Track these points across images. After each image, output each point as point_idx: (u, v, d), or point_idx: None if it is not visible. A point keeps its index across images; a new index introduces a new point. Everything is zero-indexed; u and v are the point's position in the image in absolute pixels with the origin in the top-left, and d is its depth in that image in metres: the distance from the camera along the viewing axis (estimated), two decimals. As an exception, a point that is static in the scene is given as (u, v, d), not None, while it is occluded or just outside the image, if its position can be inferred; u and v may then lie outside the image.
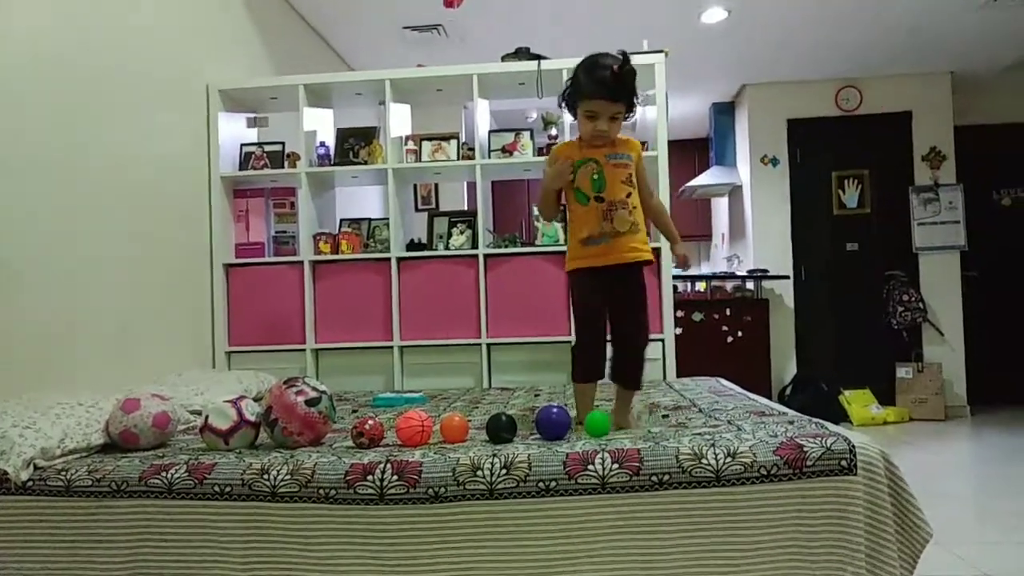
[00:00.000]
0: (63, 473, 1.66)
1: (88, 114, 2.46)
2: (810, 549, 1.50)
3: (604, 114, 1.91)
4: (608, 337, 2.02)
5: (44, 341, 2.22)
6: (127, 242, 2.65)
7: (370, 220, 3.58)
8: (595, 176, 1.95)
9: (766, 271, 5.74)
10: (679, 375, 3.21)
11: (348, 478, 1.57)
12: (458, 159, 3.39)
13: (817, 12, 4.50)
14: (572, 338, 2.13)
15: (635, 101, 1.96)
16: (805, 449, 1.54)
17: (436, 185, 5.98)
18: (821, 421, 1.76)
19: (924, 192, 5.83)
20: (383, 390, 3.22)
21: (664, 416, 2.11)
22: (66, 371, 2.30)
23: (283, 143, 3.43)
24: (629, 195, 1.97)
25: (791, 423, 1.77)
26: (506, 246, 3.40)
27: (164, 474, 1.63)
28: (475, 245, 3.36)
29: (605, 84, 1.88)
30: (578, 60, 3.19)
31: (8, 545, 1.64)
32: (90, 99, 2.47)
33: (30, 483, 1.64)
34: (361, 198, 4.76)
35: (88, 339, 2.42)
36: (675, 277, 4.62)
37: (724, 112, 6.53)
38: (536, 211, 2.06)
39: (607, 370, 2.03)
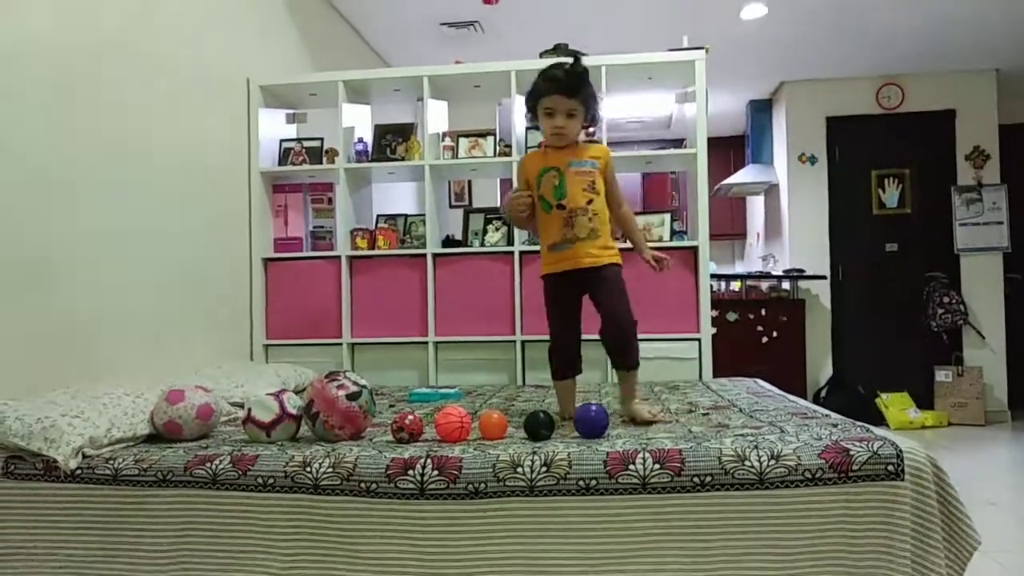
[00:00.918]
0: (111, 462, 1.69)
1: (130, 109, 2.50)
2: (855, 555, 1.48)
3: (560, 110, 2.00)
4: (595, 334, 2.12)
5: (88, 333, 2.26)
6: (168, 236, 2.69)
7: (406, 216, 3.59)
8: (556, 184, 2.03)
9: (802, 271, 5.67)
10: (714, 375, 3.18)
11: (389, 472, 1.58)
12: (495, 155, 3.38)
13: (858, 8, 4.41)
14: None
15: (593, 105, 2.05)
16: (851, 453, 1.51)
17: (469, 182, 5.98)
18: (866, 425, 1.74)
19: (967, 192, 5.70)
20: (418, 385, 3.23)
21: (704, 415, 2.09)
22: (109, 363, 2.34)
23: (322, 139, 3.46)
24: (590, 202, 2.04)
25: (835, 426, 1.74)
26: (541, 243, 3.39)
27: (208, 465, 1.65)
28: (510, 242, 3.36)
29: (557, 80, 1.99)
30: (616, 56, 3.22)
31: (57, 532, 1.68)
32: (132, 94, 2.51)
33: (79, 471, 1.68)
34: (397, 194, 4.79)
35: (130, 331, 2.47)
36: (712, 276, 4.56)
37: (761, 109, 6.45)
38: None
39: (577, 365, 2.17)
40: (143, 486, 1.65)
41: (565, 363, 2.16)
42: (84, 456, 1.71)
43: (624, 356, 2.10)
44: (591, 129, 3.43)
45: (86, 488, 1.68)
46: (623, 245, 2.31)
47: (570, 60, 2.03)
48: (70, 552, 1.67)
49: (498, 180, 5.80)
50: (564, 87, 1.98)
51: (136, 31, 2.53)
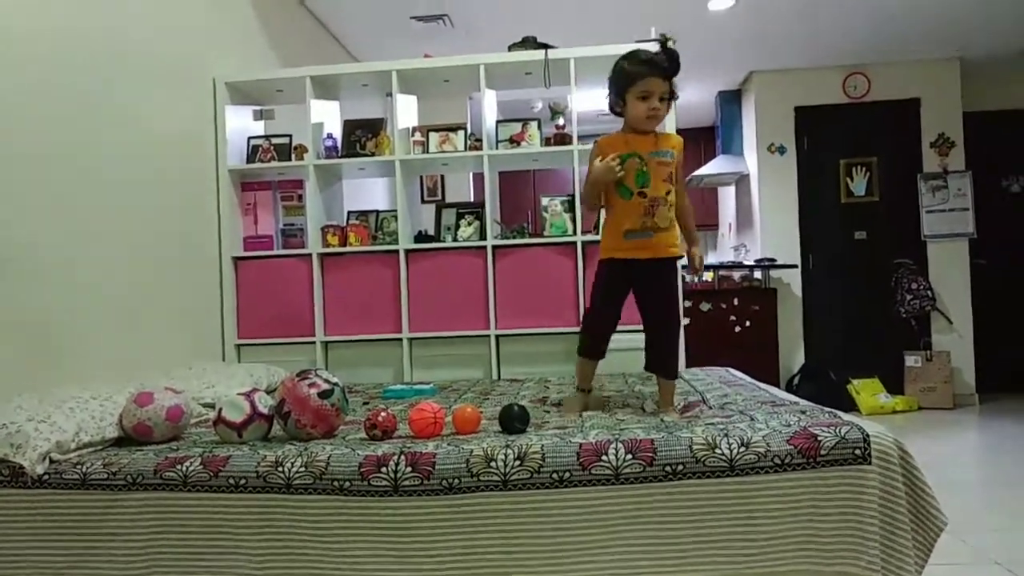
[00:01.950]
0: (78, 467, 1.67)
1: (95, 107, 2.45)
2: (824, 538, 1.50)
3: (657, 92, 1.97)
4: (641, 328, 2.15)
5: (52, 334, 2.23)
6: (135, 235, 2.65)
7: (378, 212, 3.57)
8: (641, 171, 2.00)
9: (774, 260, 5.73)
10: (687, 365, 3.21)
11: (362, 470, 1.58)
12: (465, 150, 3.37)
13: (825, -1, 4.46)
14: (584, 315, 2.26)
15: (675, 88, 2.02)
16: (819, 438, 1.54)
17: (442, 176, 5.97)
18: (835, 411, 1.76)
19: (933, 179, 5.80)
20: (393, 382, 3.22)
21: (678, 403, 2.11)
22: (75, 364, 2.30)
23: (290, 135, 3.43)
24: (669, 192, 2.04)
25: (803, 412, 1.76)
26: (514, 237, 3.40)
27: (179, 467, 1.63)
28: (483, 236, 3.35)
29: (655, 62, 1.97)
30: (585, 48, 3.22)
31: (26, 538, 1.65)
32: (97, 92, 2.47)
33: (46, 476, 1.66)
34: (368, 190, 4.76)
35: (97, 332, 2.43)
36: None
37: (731, 100, 6.50)
38: (579, 200, 2.17)
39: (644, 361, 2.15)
40: (112, 490, 1.63)
41: (595, 343, 2.16)
42: (51, 461, 1.68)
43: (666, 364, 2.09)
44: (561, 122, 3.46)
45: (54, 493, 1.65)
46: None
47: (663, 43, 2.00)
48: (40, 558, 1.64)
49: (470, 174, 5.80)
50: (664, 69, 1.96)
51: (101, 29, 2.48)
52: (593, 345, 2.16)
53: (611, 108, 2.10)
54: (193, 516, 1.61)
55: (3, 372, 2.02)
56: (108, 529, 1.63)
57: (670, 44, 2.00)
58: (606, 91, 2.08)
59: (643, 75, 1.96)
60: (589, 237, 3.27)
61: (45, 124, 2.22)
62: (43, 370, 2.16)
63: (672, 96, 2.02)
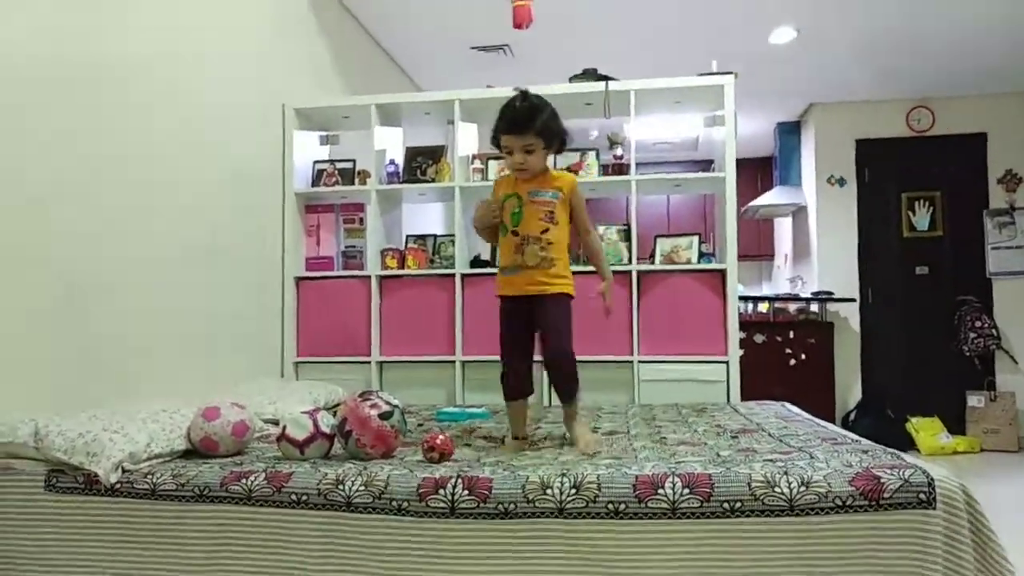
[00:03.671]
0: (149, 477, 1.74)
1: (172, 132, 2.58)
2: (885, 583, 1.47)
3: (515, 147, 2.00)
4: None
5: (125, 350, 2.32)
6: (204, 255, 2.76)
7: (436, 236, 3.64)
8: (515, 211, 2.05)
9: (831, 293, 5.62)
10: (741, 398, 3.17)
11: (420, 491, 1.61)
12: (523, 178, 3.41)
13: (889, 32, 4.41)
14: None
15: (553, 133, 2.04)
16: (882, 480, 1.51)
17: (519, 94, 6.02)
18: (897, 452, 1.73)
19: (999, 216, 5.64)
20: (445, 404, 3.26)
21: (734, 437, 2.09)
22: (147, 380, 2.40)
23: (354, 160, 3.53)
24: (545, 231, 2.05)
25: (865, 452, 1.74)
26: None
27: (244, 481, 1.69)
28: (538, 263, 3.38)
29: (507, 119, 2.02)
30: (645, 81, 3.25)
31: (96, 545, 1.72)
32: (175, 119, 2.59)
33: (118, 485, 1.72)
34: (425, 214, 4.84)
35: (167, 349, 2.53)
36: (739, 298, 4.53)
37: (789, 131, 6.44)
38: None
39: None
40: (181, 501, 1.69)
41: (514, 386, 2.15)
42: (123, 471, 1.75)
43: (561, 389, 2.12)
44: (619, 152, 3.49)
45: (125, 502, 1.72)
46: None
47: (520, 94, 2.04)
48: (109, 564, 1.70)
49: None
50: (514, 126, 2.00)
51: (179, 60, 2.61)
52: (513, 387, 2.14)
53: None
54: (256, 530, 1.65)
55: (81, 387, 2.12)
56: (175, 539, 1.68)
57: (532, 96, 2.03)
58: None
59: (501, 131, 2.03)
60: (645, 266, 3.27)
61: (121, 154, 2.34)
62: (117, 385, 2.25)
63: (550, 142, 2.03)
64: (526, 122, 1.99)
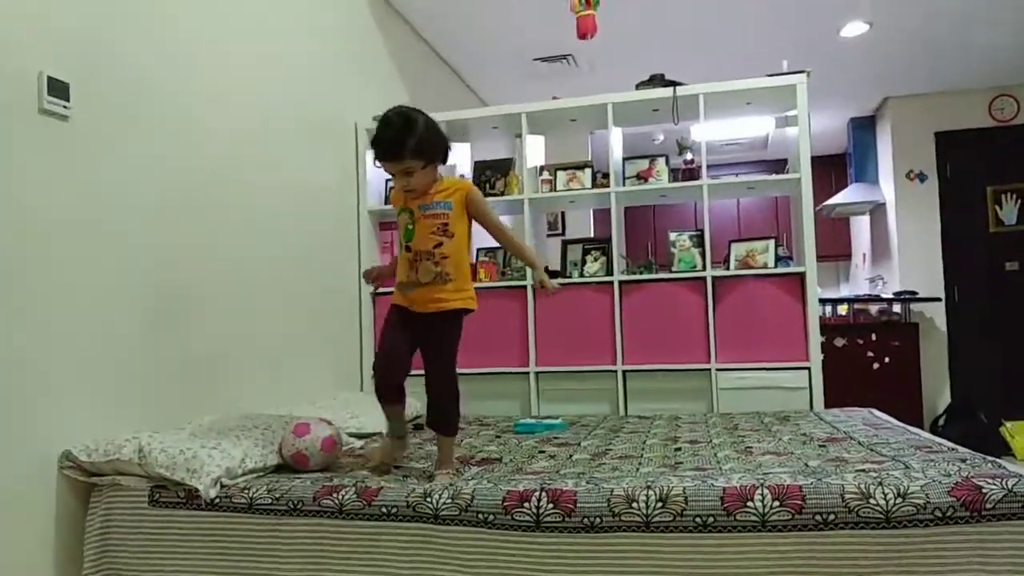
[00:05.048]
0: (246, 491, 1.81)
1: (250, 152, 2.68)
2: (992, 598, 1.41)
3: (394, 171, 1.93)
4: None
5: (213, 367, 2.42)
6: (283, 271, 2.85)
7: (506, 249, 3.67)
8: (408, 226, 1.99)
9: (915, 293, 5.41)
10: (826, 405, 3.08)
11: (505, 504, 1.63)
12: (593, 187, 3.42)
13: (966, 19, 4.24)
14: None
15: (432, 148, 1.92)
16: (984, 491, 1.45)
17: (562, 212, 6.05)
18: (997, 460, 1.66)
19: (1095, 205, 5.33)
20: (520, 415, 3.28)
21: (821, 446, 2.04)
22: (231, 395, 2.49)
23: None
24: (438, 245, 1.96)
25: (963, 461, 1.67)
26: (641, 272, 3.40)
27: (335, 495, 1.74)
28: (609, 272, 3.38)
29: (378, 147, 1.92)
30: (713, 84, 3.22)
31: (198, 557, 1.80)
32: (255, 140, 2.70)
33: (217, 500, 1.80)
34: (493, 226, 4.89)
35: (253, 363, 2.62)
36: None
37: (864, 127, 6.25)
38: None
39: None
40: (276, 515, 1.76)
41: (385, 389, 2.03)
42: (221, 486, 1.82)
43: (435, 419, 2.02)
44: (689, 157, 3.44)
45: (224, 516, 1.79)
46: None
47: (385, 117, 1.92)
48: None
49: (591, 210, 5.84)
50: (384, 153, 1.91)
51: (256, 83, 2.72)
52: (380, 388, 2.03)
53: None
54: (347, 542, 1.70)
55: (176, 400, 2.22)
56: (271, 551, 1.75)
57: (399, 117, 1.90)
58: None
59: (377, 158, 1.94)
60: (720, 272, 3.23)
61: (208, 181, 2.45)
62: (199, 397, 2.35)
63: (429, 158, 1.92)
64: (396, 149, 1.88)
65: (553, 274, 3.55)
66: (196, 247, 2.36)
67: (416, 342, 2.04)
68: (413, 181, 1.92)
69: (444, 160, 2.00)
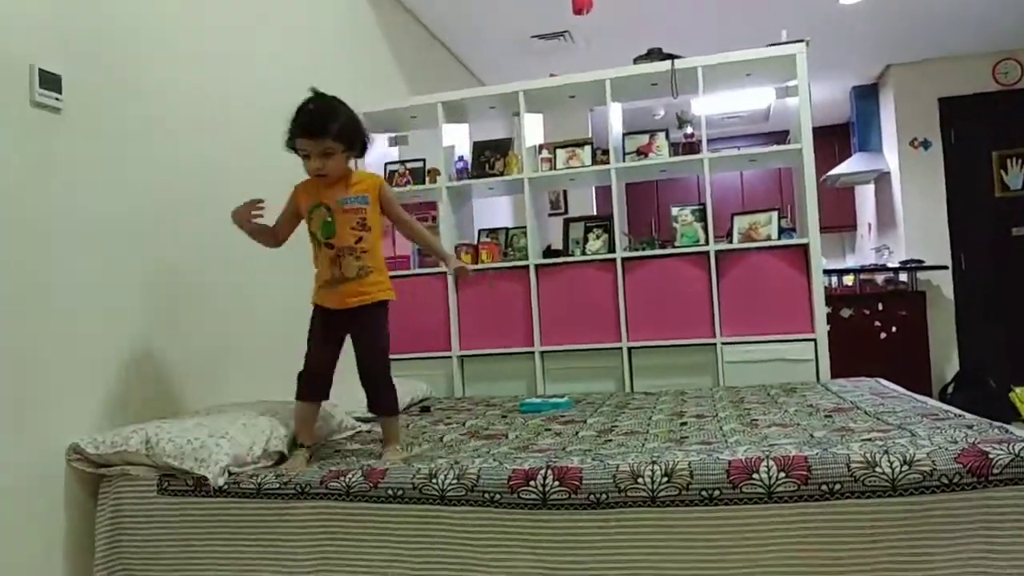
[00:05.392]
0: (254, 477, 1.81)
1: (247, 140, 2.66)
2: (999, 563, 1.41)
3: (314, 151, 1.91)
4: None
5: (216, 357, 2.43)
6: (283, 265, 2.84)
7: (507, 229, 3.66)
8: (326, 220, 1.97)
9: (921, 262, 5.39)
10: (832, 376, 3.08)
11: (511, 483, 1.63)
12: (593, 164, 3.40)
13: (971, -19, 4.18)
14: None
15: (353, 135, 1.95)
16: (990, 456, 1.44)
17: (564, 190, 6.02)
18: (1005, 425, 1.65)
19: (1103, 167, 5.28)
20: (526, 395, 3.28)
21: (827, 417, 2.04)
22: (235, 384, 2.50)
23: (424, 159, 3.58)
24: (359, 240, 1.98)
25: (970, 427, 1.66)
26: (643, 248, 3.39)
27: (342, 478, 1.75)
28: (612, 249, 3.36)
29: (301, 123, 1.90)
30: (712, 56, 3.18)
31: (207, 543, 1.81)
32: (252, 132, 2.68)
33: (226, 486, 1.81)
34: (494, 207, 4.87)
35: (250, 355, 2.62)
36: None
37: (866, 95, 6.18)
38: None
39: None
40: (284, 499, 1.76)
41: (314, 386, 2.04)
42: (230, 473, 1.83)
43: (374, 402, 2.06)
44: (689, 131, 3.42)
45: (233, 502, 1.80)
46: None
47: (312, 96, 1.95)
48: (217, 561, 1.79)
49: (592, 188, 5.81)
50: (308, 130, 1.90)
51: (259, 72, 2.70)
52: (312, 386, 2.03)
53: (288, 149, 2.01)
54: (355, 525, 1.71)
55: (179, 394, 2.23)
56: (280, 535, 1.76)
57: (327, 97, 1.95)
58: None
59: (297, 135, 1.91)
60: (723, 245, 3.21)
61: (206, 175, 2.44)
62: (211, 392, 2.36)
63: (350, 145, 1.94)
64: (322, 125, 1.89)
65: (555, 252, 3.55)
66: (195, 242, 2.36)
67: (341, 341, 2.07)
68: (330, 164, 1.93)
69: (361, 153, 2.02)
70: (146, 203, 2.15)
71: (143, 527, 1.84)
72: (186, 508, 1.83)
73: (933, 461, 1.46)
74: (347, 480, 1.74)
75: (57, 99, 1.85)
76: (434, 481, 1.68)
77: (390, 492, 1.69)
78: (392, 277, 3.42)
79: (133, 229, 2.09)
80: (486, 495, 1.63)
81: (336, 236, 1.97)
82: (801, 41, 3.12)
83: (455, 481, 1.66)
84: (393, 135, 3.82)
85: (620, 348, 3.29)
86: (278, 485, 1.78)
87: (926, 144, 5.62)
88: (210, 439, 1.84)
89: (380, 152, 3.66)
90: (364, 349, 2.05)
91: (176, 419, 2.00)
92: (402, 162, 3.61)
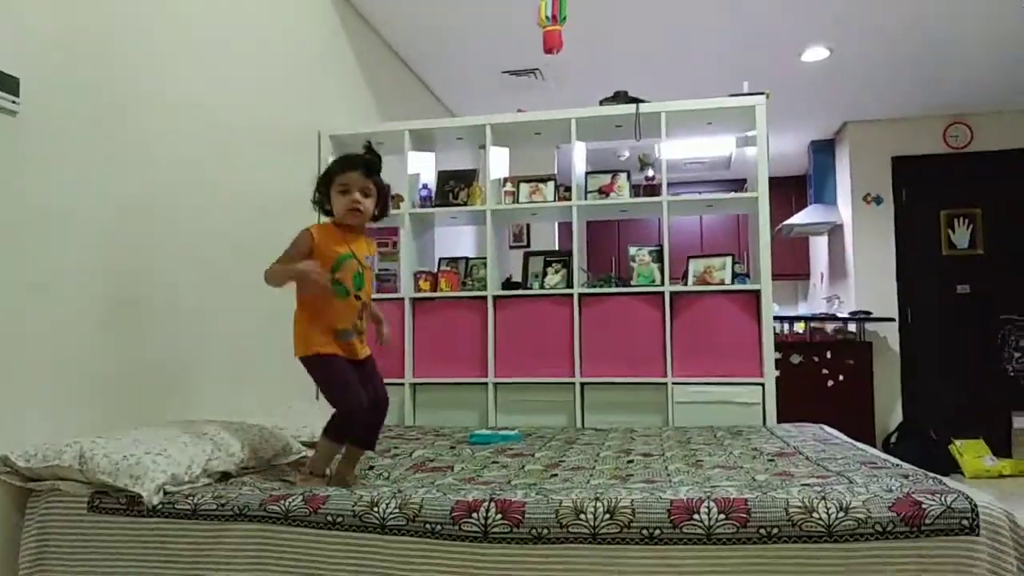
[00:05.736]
0: (190, 498, 1.77)
1: (213, 159, 2.65)
2: (929, 612, 1.44)
3: (356, 186, 1.98)
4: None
5: (163, 375, 2.37)
6: (241, 278, 2.81)
7: (467, 259, 3.67)
8: (358, 273, 2.01)
9: (869, 313, 5.53)
10: (778, 420, 3.13)
11: (454, 514, 1.61)
12: (555, 200, 3.44)
13: (924, 48, 4.37)
14: (346, 411, 1.97)
15: (385, 196, 2.09)
16: (923, 506, 1.48)
17: (528, 224, 6.07)
18: (939, 476, 1.70)
19: (1043, 232, 5.51)
20: (478, 426, 3.26)
21: (770, 461, 2.07)
22: (182, 403, 2.44)
23: (388, 185, 3.57)
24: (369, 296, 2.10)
25: (906, 477, 1.70)
26: (601, 285, 3.42)
27: (282, 502, 1.71)
28: (570, 284, 3.39)
29: (354, 160, 2.01)
30: (675, 103, 3.26)
31: (138, 564, 1.75)
32: (215, 145, 2.66)
33: (160, 506, 1.76)
34: (456, 236, 4.88)
35: (203, 373, 2.57)
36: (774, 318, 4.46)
37: (824, 150, 6.39)
38: (265, 274, 1.97)
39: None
40: (220, 520, 1.72)
41: (369, 431, 2.05)
42: (165, 492, 1.78)
43: (376, 437, 2.13)
44: (651, 173, 3.49)
45: (167, 522, 1.75)
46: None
47: (369, 146, 2.07)
48: (150, 584, 1.74)
49: (555, 224, 5.86)
50: (361, 164, 1.99)
51: (221, 91, 2.69)
52: (367, 432, 2.04)
53: (319, 206, 2.09)
54: (292, 550, 1.67)
55: (130, 403, 2.17)
56: (214, 558, 1.71)
57: (375, 147, 2.08)
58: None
59: (341, 169, 1.99)
60: (678, 288, 3.26)
61: (166, 185, 2.41)
62: (156, 408, 2.31)
63: (381, 201, 2.04)
64: (376, 167, 2.02)
65: (515, 285, 3.57)
66: (152, 251, 2.32)
67: None
68: (367, 203, 2.00)
69: (378, 218, 2.09)
70: (99, 211, 2.11)
71: (70, 546, 1.78)
72: (117, 528, 1.77)
73: (868, 509, 1.49)
74: (287, 504, 1.70)
75: (14, 102, 1.82)
76: (375, 510, 1.65)
77: (329, 519, 1.66)
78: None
79: (84, 236, 2.05)
80: (427, 525, 1.62)
81: (364, 290, 2.04)
82: (762, 94, 3.22)
83: (397, 510, 1.65)
84: (358, 159, 3.81)
85: (573, 383, 3.30)
86: (215, 506, 1.73)
87: (878, 200, 5.81)
88: (146, 456, 1.79)
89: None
90: (380, 387, 2.12)
91: (114, 434, 1.94)
92: (366, 186, 3.61)
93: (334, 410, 1.98)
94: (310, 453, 2.38)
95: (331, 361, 1.98)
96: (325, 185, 2.03)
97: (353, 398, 1.95)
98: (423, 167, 3.65)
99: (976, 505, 1.47)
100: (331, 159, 3.43)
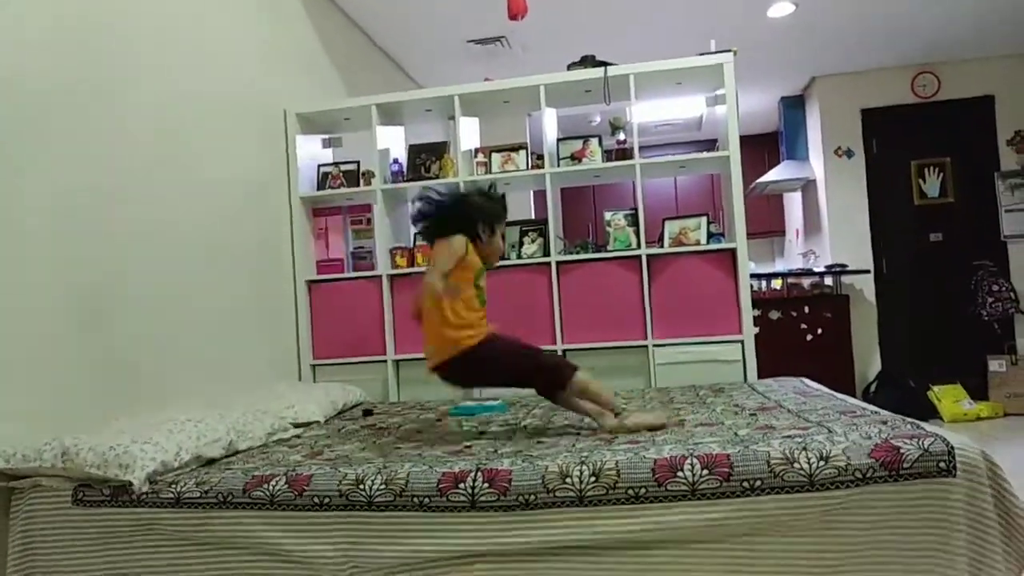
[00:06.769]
0: (173, 486, 1.76)
1: (176, 141, 2.59)
2: (910, 554, 1.47)
3: (503, 232, 2.27)
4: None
5: (141, 358, 2.35)
6: (215, 262, 2.78)
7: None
8: (482, 287, 2.21)
9: (845, 266, 5.59)
10: (759, 376, 3.16)
11: (441, 486, 1.62)
12: (528, 169, 3.42)
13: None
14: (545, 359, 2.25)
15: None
16: (901, 451, 1.51)
17: (503, 194, 6.03)
18: (916, 421, 1.72)
19: (1011, 178, 5.57)
20: (464, 399, 3.26)
21: (752, 415, 2.09)
22: (163, 389, 2.42)
23: (358, 162, 3.54)
24: None
25: (884, 423, 1.73)
26: (578, 252, 3.42)
27: (265, 486, 1.70)
28: (547, 253, 3.39)
29: (505, 211, 2.29)
30: (643, 64, 3.23)
31: (125, 554, 1.75)
32: (178, 127, 2.61)
33: (144, 495, 1.74)
34: (432, 210, 4.83)
35: (183, 357, 2.55)
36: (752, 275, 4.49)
37: (794, 106, 6.40)
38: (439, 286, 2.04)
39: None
40: (204, 508, 1.71)
41: (565, 361, 2.24)
42: (151, 481, 1.77)
43: (543, 390, 2.24)
44: (622, 137, 3.47)
45: (151, 512, 1.73)
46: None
47: (494, 187, 2.31)
48: (135, 574, 1.73)
49: (531, 192, 5.83)
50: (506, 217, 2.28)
51: (179, 69, 2.63)
52: (564, 361, 2.28)
53: (474, 234, 2.17)
54: (279, 534, 1.67)
55: (103, 395, 2.15)
56: (200, 546, 1.71)
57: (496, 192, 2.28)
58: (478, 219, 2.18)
59: (500, 219, 2.24)
60: (654, 250, 3.27)
61: (129, 171, 2.36)
62: (136, 396, 2.28)
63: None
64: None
65: (492, 257, 3.55)
66: (118, 241, 2.28)
67: None
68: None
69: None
70: (61, 201, 2.06)
71: (56, 539, 1.77)
72: (102, 518, 1.76)
73: (848, 456, 1.51)
74: (271, 488, 1.70)
75: (-37, 93, 1.76)
76: (361, 487, 1.65)
77: (316, 500, 1.66)
78: (326, 280, 3.47)
79: (47, 229, 2.01)
80: (415, 499, 1.62)
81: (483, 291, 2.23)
82: (729, 51, 3.20)
83: (383, 486, 1.65)
84: (327, 137, 3.76)
85: (554, 351, 3.30)
86: (199, 494, 1.72)
87: (849, 153, 5.84)
88: (134, 445, 1.77)
89: (313, 153, 3.60)
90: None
91: (94, 429, 1.92)
92: (335, 164, 3.57)
93: (538, 383, 2.22)
94: (297, 432, 2.38)
95: (497, 341, 2.17)
96: (498, 221, 2.23)
97: (531, 347, 2.21)
98: (393, 142, 3.61)
99: (953, 447, 1.50)
100: (297, 137, 3.40)
